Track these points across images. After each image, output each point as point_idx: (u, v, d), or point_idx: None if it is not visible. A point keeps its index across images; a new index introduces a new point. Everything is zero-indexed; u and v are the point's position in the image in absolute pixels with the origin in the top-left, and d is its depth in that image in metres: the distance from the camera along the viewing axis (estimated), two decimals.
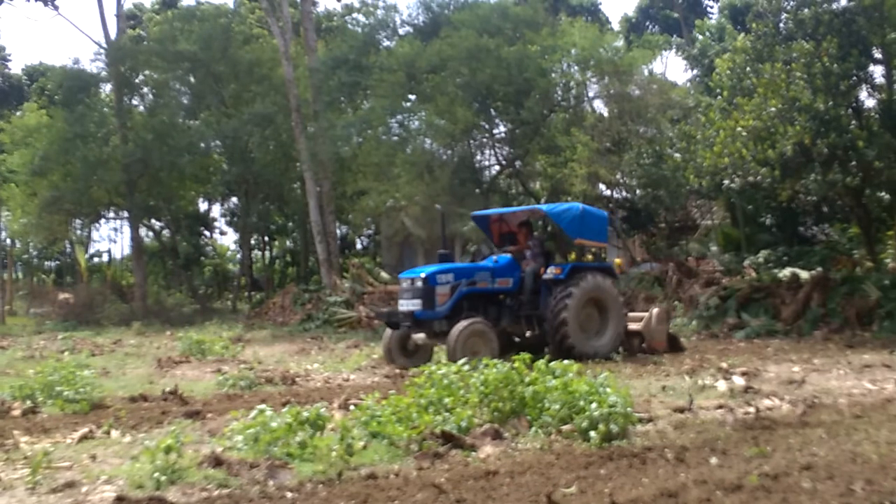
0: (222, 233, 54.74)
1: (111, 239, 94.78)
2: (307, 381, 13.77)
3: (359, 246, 52.00)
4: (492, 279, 15.54)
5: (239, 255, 49.17)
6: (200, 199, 47.27)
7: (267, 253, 50.28)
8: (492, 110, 29.66)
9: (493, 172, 31.86)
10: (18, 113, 43.54)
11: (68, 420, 9.80)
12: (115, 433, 8.78)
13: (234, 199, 45.69)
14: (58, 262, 57.51)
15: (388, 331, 15.59)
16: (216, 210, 51.48)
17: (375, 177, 29.03)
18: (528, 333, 15.74)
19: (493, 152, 31.53)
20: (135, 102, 40.97)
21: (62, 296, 40.75)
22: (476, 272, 15.58)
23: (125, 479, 6.63)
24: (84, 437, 8.52)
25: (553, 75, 28.18)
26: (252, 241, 46.00)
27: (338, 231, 38.11)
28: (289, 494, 6.11)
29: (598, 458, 6.94)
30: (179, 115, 38.94)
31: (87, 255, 49.21)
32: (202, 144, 37.90)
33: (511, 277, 15.67)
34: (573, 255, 17.95)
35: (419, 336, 15.03)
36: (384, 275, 33.29)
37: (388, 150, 29.08)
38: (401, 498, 5.90)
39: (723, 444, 7.42)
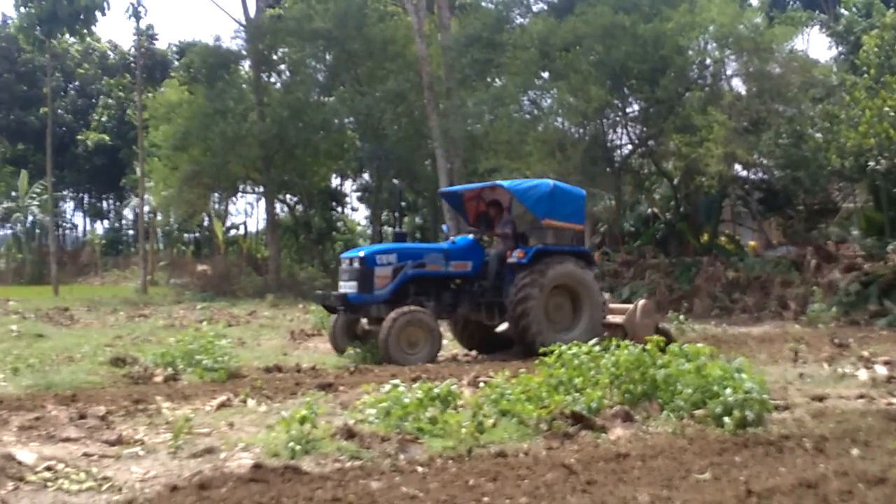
0: (353, 209, 55.61)
1: (247, 213, 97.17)
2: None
3: None
4: (445, 262, 14.13)
5: (370, 231, 49.83)
6: (333, 175, 48.07)
7: (397, 229, 50.73)
8: (625, 88, 29.18)
9: (626, 152, 31.37)
10: (162, 89, 44.94)
11: (207, 388, 10.14)
12: (251, 402, 9.02)
13: (366, 176, 46.32)
14: (196, 235, 59.39)
15: (334, 315, 14.47)
16: (348, 186, 52.33)
17: (507, 154, 28.90)
18: (502, 326, 14.31)
19: (625, 131, 31.04)
20: (272, 80, 41.88)
21: (200, 267, 42.16)
22: (426, 254, 14.22)
23: (262, 448, 6.80)
24: (222, 405, 8.79)
25: (690, 53, 27.52)
26: (383, 217, 46.52)
27: None
28: (420, 469, 6.15)
29: (733, 445, 6.77)
30: (314, 93, 39.63)
31: (224, 228, 50.69)
32: (336, 121, 38.47)
33: (470, 261, 14.34)
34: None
35: (365, 320, 13.99)
36: None
37: (520, 128, 28.91)
38: (530, 477, 5.87)
39: (864, 435, 7.14)
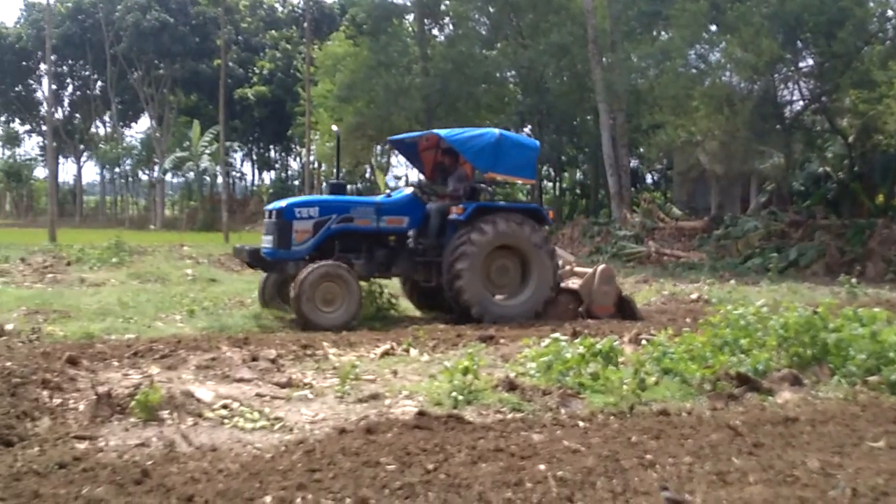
0: None
1: (408, 165, 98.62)
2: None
3: (649, 180, 51.25)
4: (377, 217, 12.62)
5: (529, 186, 49.77)
6: None
7: (557, 184, 50.53)
8: (799, 42, 28.05)
9: (797, 108, 30.25)
10: (328, 42, 45.80)
11: (371, 336, 10.42)
12: (413, 351, 9.21)
13: (527, 130, 46.18)
14: (359, 186, 60.58)
15: (265, 272, 13.05)
16: None
17: (672, 110, 28.34)
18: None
19: (797, 87, 29.90)
20: (435, 33, 42.10)
21: None
22: (353, 207, 12.66)
23: (425, 396, 6.95)
24: (385, 354, 9.02)
25: (871, 4, 26.23)
26: (542, 172, 46.37)
27: (629, 164, 37.68)
28: (581, 423, 6.15)
29: None
30: (477, 46, 39.62)
31: (386, 179, 51.51)
32: (498, 75, 38.49)
33: (407, 216, 12.84)
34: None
35: None
36: (676, 210, 32.66)
37: (686, 83, 28.26)
38: (694, 437, 5.79)
39: None
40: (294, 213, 12.25)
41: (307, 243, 12.19)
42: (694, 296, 16.14)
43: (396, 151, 16.49)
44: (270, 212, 12.65)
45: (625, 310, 13.04)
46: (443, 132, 13.52)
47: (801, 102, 30.17)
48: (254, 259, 12.63)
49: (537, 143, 14.46)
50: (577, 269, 14.11)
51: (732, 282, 18.69)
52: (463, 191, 13.17)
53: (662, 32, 33.15)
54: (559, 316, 12.56)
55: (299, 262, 12.00)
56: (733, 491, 4.67)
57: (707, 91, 27.96)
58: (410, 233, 12.93)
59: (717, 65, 29.75)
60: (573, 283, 13.23)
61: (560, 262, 13.77)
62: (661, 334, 8.58)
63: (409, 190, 13.30)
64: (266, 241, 12.46)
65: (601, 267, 13.31)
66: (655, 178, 51.14)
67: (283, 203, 12.71)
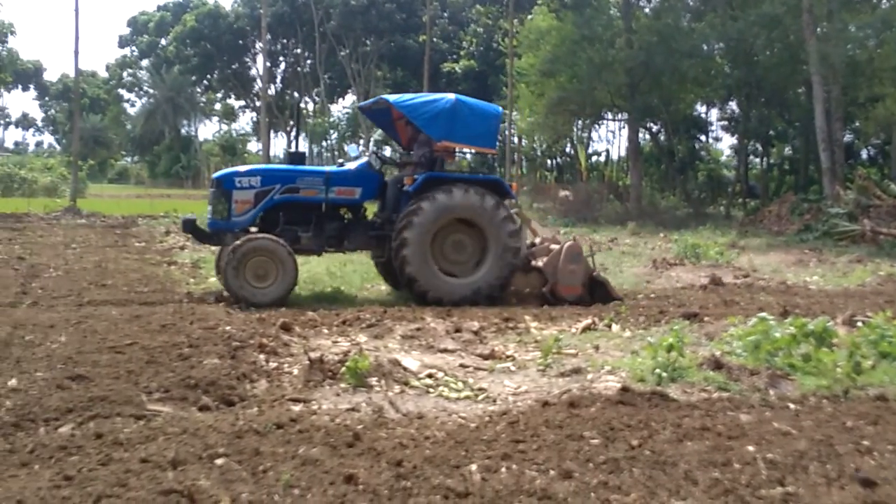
0: (717, 138, 54.07)
1: (609, 140, 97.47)
2: (807, 293, 13.33)
3: (864, 155, 48.72)
4: (325, 187, 11.87)
5: (734, 161, 48.34)
6: (698, 103, 46.92)
7: (764, 160, 48.81)
8: None
9: None
10: (531, 16, 45.74)
11: (572, 311, 10.43)
12: (615, 327, 9.15)
13: (733, 104, 44.79)
14: (559, 161, 60.42)
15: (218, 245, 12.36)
16: (713, 114, 50.94)
17: (892, 82, 26.86)
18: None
19: None
20: (641, 4, 41.37)
21: (562, 193, 42.79)
22: (299, 178, 11.88)
23: (627, 371, 6.89)
24: (587, 328, 9.01)
25: None
26: (749, 147, 44.95)
27: (843, 139, 35.99)
28: (791, 406, 5.97)
29: None
30: (684, 18, 38.69)
31: (586, 155, 51.16)
32: (705, 47, 37.44)
33: (359, 188, 12.04)
34: None
35: None
36: (894, 187, 30.94)
37: None
38: None
39: None
40: (234, 182, 11.72)
41: (247, 214, 11.66)
42: None
43: (370, 120, 15.11)
44: (213, 181, 12.23)
45: (596, 291, 12.08)
46: (392, 98, 12.72)
47: None
48: (188, 229, 12.20)
49: (500, 109, 13.51)
50: (554, 245, 12.80)
51: None
52: (424, 160, 12.47)
53: (884, 0, 31.44)
54: (523, 296, 11.82)
55: (238, 234, 11.49)
56: None
57: None
58: (366, 205, 12.49)
59: None
60: (539, 263, 12.32)
61: (538, 239, 13.13)
62: (878, 316, 8.19)
63: (365, 159, 12.48)
64: (208, 212, 12.03)
65: (567, 244, 12.35)
66: (871, 153, 48.53)
67: (223, 172, 12.42)
